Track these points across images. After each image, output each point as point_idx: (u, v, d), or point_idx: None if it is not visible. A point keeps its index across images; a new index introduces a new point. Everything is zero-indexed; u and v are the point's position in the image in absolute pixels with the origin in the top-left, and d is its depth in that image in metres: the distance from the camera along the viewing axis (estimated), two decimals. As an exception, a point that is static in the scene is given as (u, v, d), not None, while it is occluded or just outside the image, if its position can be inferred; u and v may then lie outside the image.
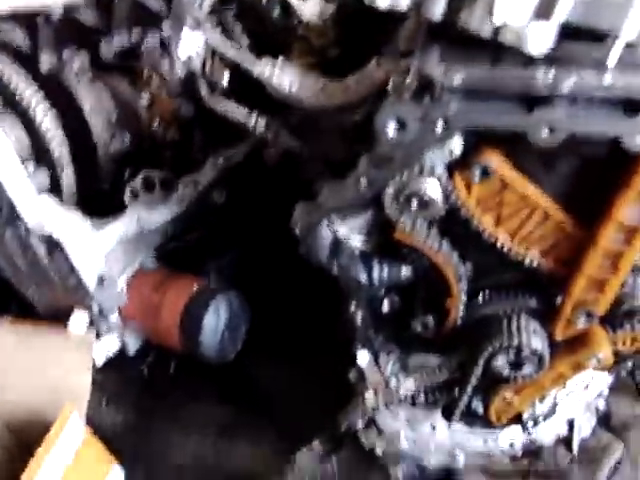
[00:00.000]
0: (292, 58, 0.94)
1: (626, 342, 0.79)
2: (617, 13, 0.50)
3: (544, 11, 0.51)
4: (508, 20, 0.52)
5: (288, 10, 1.15)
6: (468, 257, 0.75)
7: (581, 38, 0.51)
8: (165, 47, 1.02)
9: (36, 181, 0.85)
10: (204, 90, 0.82)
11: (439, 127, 0.55)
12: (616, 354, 0.81)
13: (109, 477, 1.03)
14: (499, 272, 0.77)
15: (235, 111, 0.80)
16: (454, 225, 0.71)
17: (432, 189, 0.67)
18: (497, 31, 0.52)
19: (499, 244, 0.71)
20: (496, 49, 0.53)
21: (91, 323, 1.05)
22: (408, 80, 0.52)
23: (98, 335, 1.06)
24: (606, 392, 0.95)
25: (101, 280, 0.92)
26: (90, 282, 0.91)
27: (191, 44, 0.85)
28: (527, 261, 0.72)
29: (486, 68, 0.51)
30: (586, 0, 0.50)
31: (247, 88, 0.84)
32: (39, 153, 0.88)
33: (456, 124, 0.54)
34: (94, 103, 0.94)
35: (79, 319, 1.03)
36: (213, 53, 0.84)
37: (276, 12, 1.15)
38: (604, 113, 0.53)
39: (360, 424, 0.96)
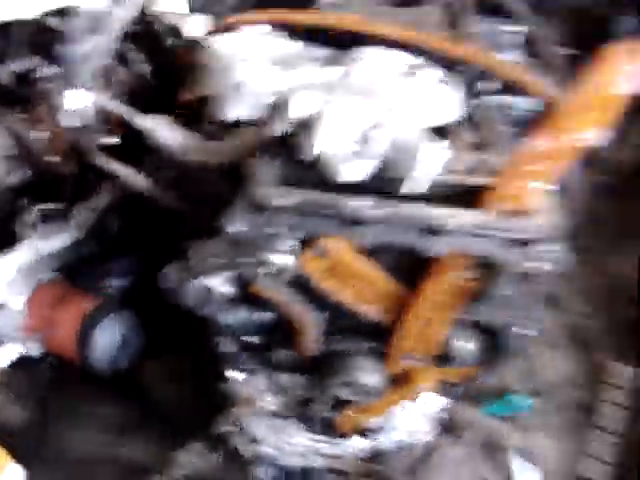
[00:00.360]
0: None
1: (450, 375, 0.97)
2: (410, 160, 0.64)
3: (357, 151, 0.64)
4: (328, 150, 0.65)
5: (179, 34, 1.24)
6: (320, 309, 0.90)
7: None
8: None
9: None
10: (90, 145, 0.91)
11: (276, 229, 0.68)
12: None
13: (5, 475, 1.13)
14: (346, 320, 0.92)
15: (117, 169, 0.90)
16: (307, 286, 0.86)
17: (282, 260, 0.81)
18: (319, 158, 0.65)
19: (343, 301, 0.86)
20: (320, 174, 0.66)
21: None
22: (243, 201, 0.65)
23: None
24: (446, 404, 1.14)
25: (1, 306, 1.00)
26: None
27: (79, 101, 0.93)
28: (365, 315, 0.88)
29: (309, 193, 0.65)
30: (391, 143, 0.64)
31: (132, 144, 0.93)
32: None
33: (291, 231, 0.68)
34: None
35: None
36: (99, 112, 0.92)
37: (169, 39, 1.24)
38: (402, 230, 0.67)
39: (232, 430, 1.11)
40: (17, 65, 1.13)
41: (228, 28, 0.82)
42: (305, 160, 0.65)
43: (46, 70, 1.12)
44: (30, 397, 1.35)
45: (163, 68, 1.12)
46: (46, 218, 1.05)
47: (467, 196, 0.65)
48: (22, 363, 1.26)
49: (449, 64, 0.79)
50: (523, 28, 1.20)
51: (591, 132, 0.62)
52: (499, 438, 1.15)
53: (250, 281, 0.83)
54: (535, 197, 0.65)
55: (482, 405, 1.19)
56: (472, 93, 0.80)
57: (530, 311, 0.78)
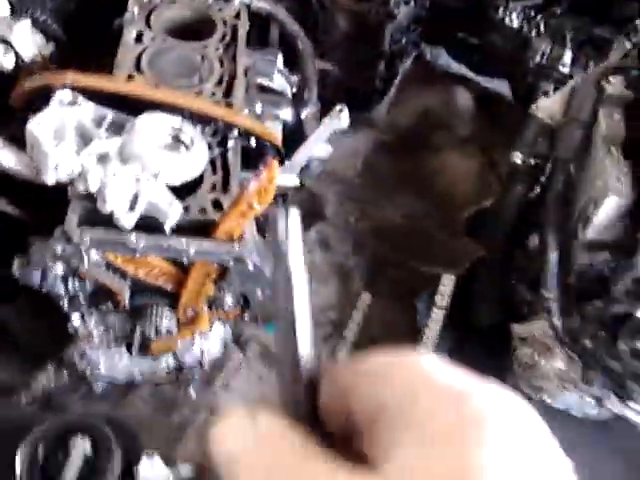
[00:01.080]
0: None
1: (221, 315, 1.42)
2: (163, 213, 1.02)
3: (131, 207, 1.02)
4: (113, 208, 1.01)
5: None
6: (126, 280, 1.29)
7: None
8: None
9: None
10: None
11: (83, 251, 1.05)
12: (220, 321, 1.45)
13: None
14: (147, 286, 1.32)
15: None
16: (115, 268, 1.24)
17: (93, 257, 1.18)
18: (111, 212, 1.02)
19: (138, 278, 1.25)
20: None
21: None
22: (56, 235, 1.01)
23: None
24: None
25: None
26: None
27: None
28: (156, 283, 1.28)
29: (104, 232, 1.02)
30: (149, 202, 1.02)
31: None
32: None
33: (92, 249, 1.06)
34: None
35: None
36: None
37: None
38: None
39: (76, 356, 1.51)
40: None
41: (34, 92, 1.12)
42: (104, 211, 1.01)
43: None
44: None
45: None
46: None
47: (204, 228, 1.06)
48: None
49: (203, 120, 1.17)
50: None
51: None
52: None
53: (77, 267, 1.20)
54: (244, 228, 1.07)
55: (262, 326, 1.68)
56: (220, 142, 1.18)
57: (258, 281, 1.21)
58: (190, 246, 1.05)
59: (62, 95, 1.08)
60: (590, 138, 1.38)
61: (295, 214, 0.35)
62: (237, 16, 1.50)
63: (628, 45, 1.56)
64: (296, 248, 0.35)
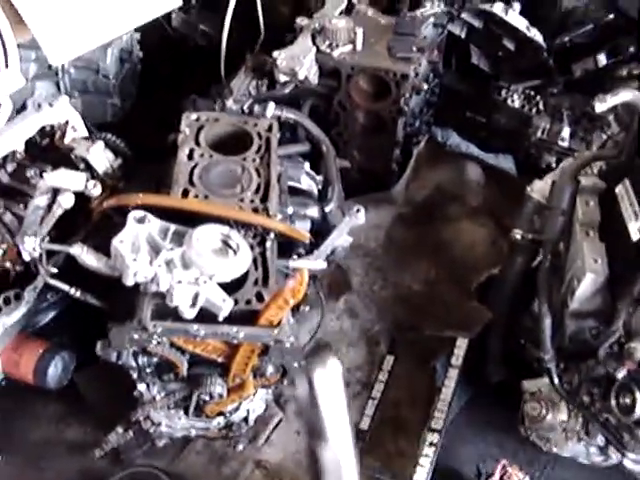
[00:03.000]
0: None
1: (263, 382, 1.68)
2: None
3: (192, 304, 1.30)
4: (178, 304, 1.30)
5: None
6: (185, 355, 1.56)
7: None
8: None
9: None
10: (43, 273, 1.50)
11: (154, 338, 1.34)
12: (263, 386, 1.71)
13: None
14: (202, 359, 1.59)
15: (62, 286, 1.50)
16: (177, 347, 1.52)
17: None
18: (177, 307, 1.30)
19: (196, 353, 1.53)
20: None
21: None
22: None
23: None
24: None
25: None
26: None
27: (31, 244, 1.51)
28: (211, 357, 1.55)
29: (171, 324, 1.30)
30: (206, 300, 1.30)
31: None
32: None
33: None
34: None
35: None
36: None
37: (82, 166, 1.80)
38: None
39: (142, 417, 1.78)
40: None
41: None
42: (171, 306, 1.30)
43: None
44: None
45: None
46: (7, 302, 1.64)
47: (250, 316, 1.34)
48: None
49: (245, 226, 1.46)
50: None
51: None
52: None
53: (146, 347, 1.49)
54: (282, 316, 1.34)
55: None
56: (259, 243, 1.47)
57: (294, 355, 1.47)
58: (239, 332, 1.32)
59: (135, 214, 1.39)
60: (572, 222, 1.62)
61: (335, 365, 0.35)
62: (269, 129, 1.80)
63: (604, 137, 1.80)
64: (340, 405, 0.35)
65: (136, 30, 2.49)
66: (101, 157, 1.76)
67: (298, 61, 2.02)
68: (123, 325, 1.38)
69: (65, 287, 1.52)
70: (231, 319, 1.34)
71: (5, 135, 1.65)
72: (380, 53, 2.13)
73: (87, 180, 1.53)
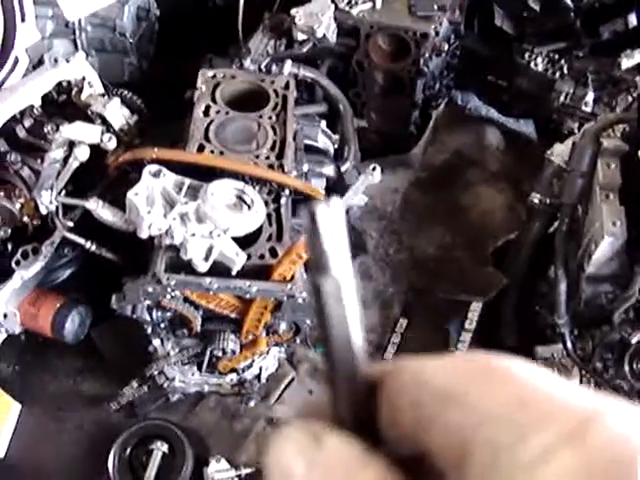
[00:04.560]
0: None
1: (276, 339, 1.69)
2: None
3: (206, 257, 1.30)
4: (192, 257, 1.30)
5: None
6: (199, 310, 1.58)
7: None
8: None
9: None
10: (59, 226, 1.52)
11: (168, 289, 1.35)
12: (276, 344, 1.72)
13: (12, 409, 1.80)
14: (216, 315, 1.60)
15: (78, 240, 1.51)
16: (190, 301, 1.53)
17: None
18: (190, 260, 1.31)
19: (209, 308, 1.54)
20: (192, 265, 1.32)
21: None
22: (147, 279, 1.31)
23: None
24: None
25: (5, 315, 1.63)
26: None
27: (48, 198, 1.52)
28: (224, 312, 1.56)
29: (184, 277, 1.31)
30: (220, 253, 1.31)
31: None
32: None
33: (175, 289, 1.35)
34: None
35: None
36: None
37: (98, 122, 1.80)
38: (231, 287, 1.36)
39: (156, 372, 1.81)
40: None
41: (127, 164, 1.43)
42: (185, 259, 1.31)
43: (13, 156, 1.67)
44: (14, 357, 2.00)
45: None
46: (24, 255, 1.66)
47: (263, 271, 1.34)
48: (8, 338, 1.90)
49: (260, 182, 1.45)
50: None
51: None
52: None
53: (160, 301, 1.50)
54: (295, 271, 1.33)
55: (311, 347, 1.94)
56: (274, 199, 1.46)
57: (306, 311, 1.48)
58: (252, 286, 1.33)
59: (150, 168, 1.39)
60: (591, 186, 1.59)
61: (337, 204, 0.32)
62: (286, 86, 1.78)
63: (629, 99, 1.75)
64: (341, 244, 0.32)
65: (151, -15, 2.47)
66: (117, 113, 1.76)
67: (316, 18, 1.99)
68: (137, 279, 1.40)
69: (81, 241, 1.54)
70: (244, 274, 1.34)
71: (22, 89, 1.65)
72: (400, 11, 2.09)
73: (103, 133, 1.53)
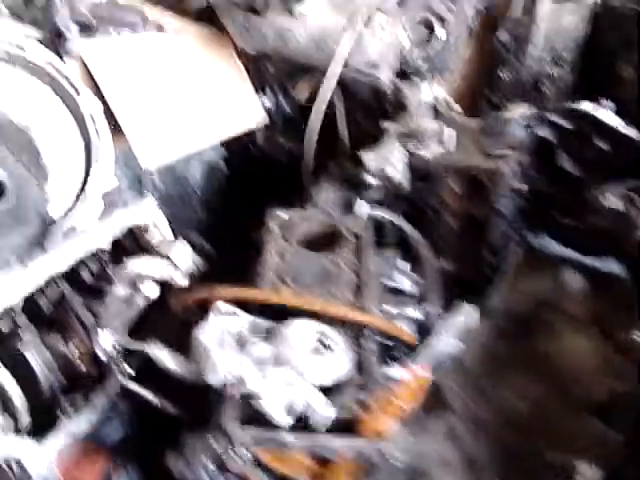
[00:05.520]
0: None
1: None
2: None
3: (287, 409, 1.11)
4: (269, 410, 1.11)
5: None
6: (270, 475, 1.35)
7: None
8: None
9: (2, 426, 1.35)
10: (118, 374, 1.37)
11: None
12: None
13: None
14: None
15: (139, 390, 1.36)
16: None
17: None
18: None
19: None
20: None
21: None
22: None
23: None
24: None
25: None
26: (38, 479, 1.43)
27: (108, 340, 1.39)
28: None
29: (261, 432, 1.11)
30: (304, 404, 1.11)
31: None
32: (4, 404, 1.38)
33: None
34: (40, 362, 1.45)
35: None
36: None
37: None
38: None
39: None
40: (51, 293, 1.60)
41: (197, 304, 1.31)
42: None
43: (75, 299, 1.59)
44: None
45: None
46: (74, 404, 1.49)
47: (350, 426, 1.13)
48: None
49: (343, 324, 1.29)
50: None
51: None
52: None
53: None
54: (391, 426, 1.13)
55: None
56: (359, 344, 1.29)
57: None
58: (341, 444, 1.11)
59: (222, 306, 1.26)
60: None
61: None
62: (361, 226, 1.69)
63: None
64: None
65: (222, 146, 2.54)
66: (184, 255, 1.68)
67: (387, 161, 1.95)
68: (201, 433, 1.20)
69: (144, 392, 1.37)
70: (328, 430, 1.14)
71: (92, 231, 1.60)
72: (472, 152, 2.04)
73: (175, 268, 1.43)
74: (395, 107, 2.35)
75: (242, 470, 1.29)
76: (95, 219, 1.67)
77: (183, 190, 2.38)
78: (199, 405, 1.37)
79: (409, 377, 1.03)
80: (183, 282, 1.46)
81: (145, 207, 1.81)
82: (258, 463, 1.27)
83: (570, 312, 2.36)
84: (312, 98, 2.52)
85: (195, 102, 2.23)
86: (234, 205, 2.60)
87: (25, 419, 1.40)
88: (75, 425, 1.49)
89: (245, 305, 1.32)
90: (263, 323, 1.25)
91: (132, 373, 1.39)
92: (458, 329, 1.38)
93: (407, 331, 1.36)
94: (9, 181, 1.48)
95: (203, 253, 1.75)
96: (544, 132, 2.44)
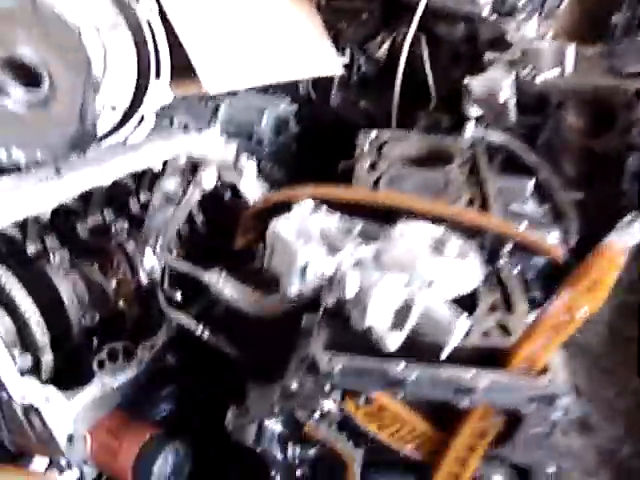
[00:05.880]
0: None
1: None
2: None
3: (399, 323, 0.76)
4: (375, 324, 0.77)
5: (238, 194, 1.42)
6: (361, 445, 0.99)
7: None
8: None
9: (20, 364, 1.05)
10: (162, 300, 1.05)
11: (327, 387, 0.79)
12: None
13: None
14: (386, 455, 1.00)
15: (186, 321, 1.04)
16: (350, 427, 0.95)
17: (329, 406, 0.91)
18: (369, 330, 0.77)
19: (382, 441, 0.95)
20: (369, 341, 0.78)
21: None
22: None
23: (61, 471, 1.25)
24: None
25: (70, 438, 1.11)
26: (61, 441, 1.11)
27: (153, 260, 1.09)
28: (403, 453, 0.96)
29: (359, 359, 0.76)
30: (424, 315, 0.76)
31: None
32: (23, 339, 1.09)
33: (339, 387, 0.79)
34: (70, 289, 1.15)
35: (41, 461, 1.22)
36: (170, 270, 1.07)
37: (227, 195, 1.42)
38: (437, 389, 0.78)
39: None
40: (92, 219, 1.31)
41: (279, 204, 0.98)
42: (356, 329, 0.77)
43: (119, 225, 1.30)
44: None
45: (220, 221, 1.30)
46: (112, 356, 1.18)
47: (490, 358, 0.76)
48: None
49: (469, 232, 0.93)
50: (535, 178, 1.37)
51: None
52: None
53: (302, 423, 0.94)
54: (549, 357, 0.75)
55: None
56: (491, 257, 0.93)
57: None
58: (480, 379, 0.74)
59: (305, 204, 0.93)
60: None
61: None
62: (472, 146, 1.34)
63: None
64: None
65: (292, 102, 2.26)
66: (253, 185, 1.37)
67: (496, 83, 1.59)
68: (269, 385, 0.86)
69: (190, 323, 1.05)
70: (456, 362, 0.77)
71: (144, 148, 1.31)
72: (598, 74, 1.66)
73: (239, 153, 1.11)
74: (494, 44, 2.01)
75: (325, 437, 0.94)
76: (144, 135, 1.38)
77: (248, 143, 2.11)
78: (264, 347, 1.03)
79: (596, 259, 0.67)
80: (249, 191, 1.14)
81: (209, 137, 1.51)
82: (348, 427, 0.92)
83: None
84: (391, 56, 2.25)
85: (266, 35, 1.95)
86: (303, 165, 2.31)
87: (48, 357, 1.10)
88: (111, 379, 1.17)
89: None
90: (361, 224, 0.91)
91: (178, 299, 1.07)
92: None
93: (553, 243, 0.98)
94: (47, 73, 1.22)
95: (273, 181, 1.45)
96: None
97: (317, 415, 0.90)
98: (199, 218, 1.38)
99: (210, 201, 1.35)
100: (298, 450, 1.00)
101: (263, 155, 2.08)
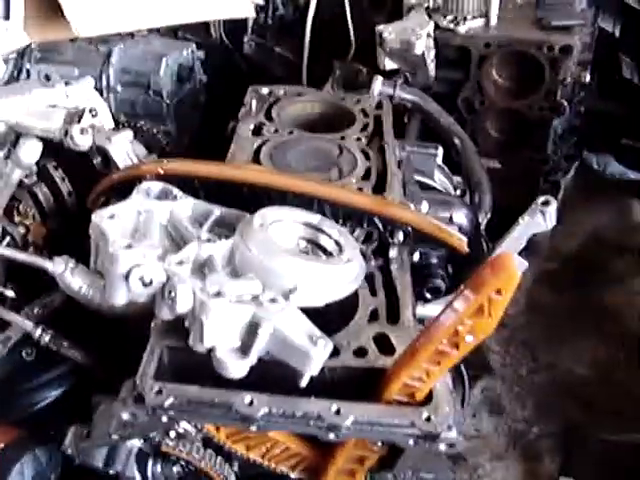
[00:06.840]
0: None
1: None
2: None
3: (245, 346, 0.61)
4: (216, 346, 0.61)
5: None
6: (233, 463, 0.86)
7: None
8: None
9: None
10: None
11: (164, 419, 0.64)
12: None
13: None
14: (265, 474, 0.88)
15: (19, 322, 0.86)
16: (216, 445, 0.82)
17: (185, 426, 0.77)
18: (210, 353, 0.62)
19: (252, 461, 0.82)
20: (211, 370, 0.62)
21: None
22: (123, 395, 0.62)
23: None
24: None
25: None
26: None
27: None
28: (279, 472, 0.84)
29: (195, 390, 0.61)
30: (276, 337, 0.61)
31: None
32: None
33: (176, 419, 0.64)
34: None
35: None
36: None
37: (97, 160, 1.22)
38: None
39: None
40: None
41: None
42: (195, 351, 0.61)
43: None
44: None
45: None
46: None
47: (365, 382, 0.63)
48: None
49: (352, 219, 0.78)
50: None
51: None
52: None
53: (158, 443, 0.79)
54: (433, 384, 0.62)
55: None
56: (380, 249, 0.78)
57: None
58: (344, 414, 0.60)
59: (149, 185, 0.75)
60: None
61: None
62: (378, 107, 1.18)
63: None
64: None
65: (199, 48, 2.01)
66: (126, 150, 1.17)
67: (413, 32, 1.42)
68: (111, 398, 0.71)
69: (26, 324, 0.87)
70: (325, 387, 0.63)
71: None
72: (524, 26, 1.51)
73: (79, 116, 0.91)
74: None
75: (185, 456, 0.80)
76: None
77: (146, 94, 1.87)
78: (117, 351, 0.87)
79: (485, 285, 0.53)
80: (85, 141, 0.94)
81: (80, 88, 1.28)
82: (212, 445, 0.78)
83: (636, 253, 1.87)
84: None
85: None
86: (211, 119, 2.09)
87: None
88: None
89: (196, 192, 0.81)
90: (218, 211, 0.74)
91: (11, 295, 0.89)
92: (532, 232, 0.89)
93: (458, 234, 0.85)
94: None
95: (156, 148, 1.25)
96: (608, 25, 1.92)
97: (173, 434, 0.76)
98: (65, 188, 1.19)
99: (80, 167, 1.16)
100: (159, 469, 0.86)
101: (163, 108, 1.85)
